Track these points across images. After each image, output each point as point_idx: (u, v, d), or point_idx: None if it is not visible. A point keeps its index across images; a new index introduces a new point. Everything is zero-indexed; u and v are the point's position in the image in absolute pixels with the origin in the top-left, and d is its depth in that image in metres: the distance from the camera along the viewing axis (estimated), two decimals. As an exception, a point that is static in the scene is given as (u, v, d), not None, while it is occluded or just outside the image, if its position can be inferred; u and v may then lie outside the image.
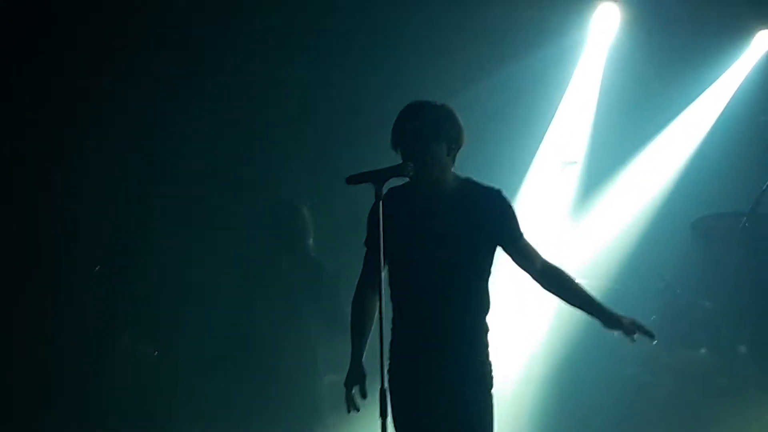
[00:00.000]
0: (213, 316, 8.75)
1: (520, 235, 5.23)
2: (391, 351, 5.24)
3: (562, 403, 9.07)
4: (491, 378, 5.24)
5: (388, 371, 5.15)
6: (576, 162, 9.99)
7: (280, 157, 9.70)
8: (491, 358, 5.24)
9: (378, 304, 4.88)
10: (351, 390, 5.17)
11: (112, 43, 9.09)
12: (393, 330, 5.27)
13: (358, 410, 5.17)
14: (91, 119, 9.13)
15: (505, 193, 5.24)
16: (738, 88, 10.19)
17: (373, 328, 5.16)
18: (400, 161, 5.07)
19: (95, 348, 8.92)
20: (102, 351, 8.93)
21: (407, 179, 5.10)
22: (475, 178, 5.25)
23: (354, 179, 4.84)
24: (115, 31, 9.09)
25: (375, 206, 4.87)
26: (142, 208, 9.42)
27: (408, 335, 5.23)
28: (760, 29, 10.03)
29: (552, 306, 9.01)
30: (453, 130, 5.14)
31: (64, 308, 8.90)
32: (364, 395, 5.15)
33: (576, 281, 5.35)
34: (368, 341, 5.25)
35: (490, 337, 5.25)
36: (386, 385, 4.79)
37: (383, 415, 4.73)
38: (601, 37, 10.08)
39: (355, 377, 5.19)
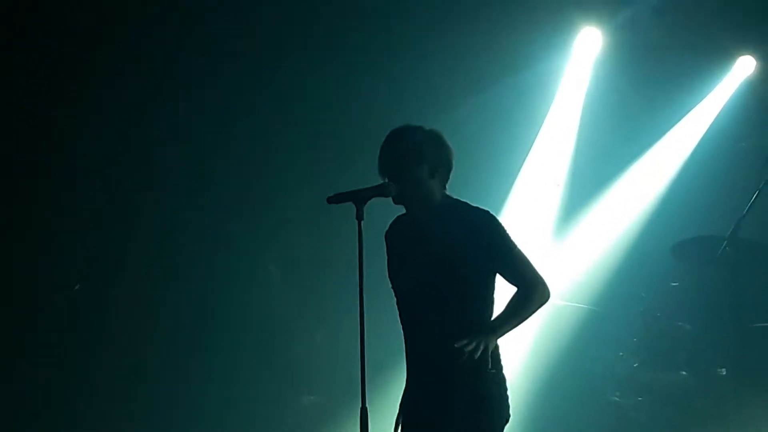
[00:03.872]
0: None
1: (505, 255, 5.00)
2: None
3: (543, 429, 9.07)
4: (491, 406, 4.97)
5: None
6: (559, 185, 10.03)
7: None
8: (491, 387, 4.97)
9: None
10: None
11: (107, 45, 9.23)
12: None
13: None
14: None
15: (492, 213, 5.04)
16: (719, 113, 10.27)
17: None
18: None
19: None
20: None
21: (398, 202, 5.07)
22: (467, 201, 5.10)
23: (336, 199, 4.90)
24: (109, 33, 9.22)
25: (360, 228, 4.86)
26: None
27: (408, 361, 5.15)
28: (742, 55, 10.12)
29: (530, 331, 9.02)
30: (437, 152, 5.05)
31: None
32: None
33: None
34: None
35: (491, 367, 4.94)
36: (366, 404, 4.77)
37: (364, 434, 4.74)
38: (584, 60, 10.17)
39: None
